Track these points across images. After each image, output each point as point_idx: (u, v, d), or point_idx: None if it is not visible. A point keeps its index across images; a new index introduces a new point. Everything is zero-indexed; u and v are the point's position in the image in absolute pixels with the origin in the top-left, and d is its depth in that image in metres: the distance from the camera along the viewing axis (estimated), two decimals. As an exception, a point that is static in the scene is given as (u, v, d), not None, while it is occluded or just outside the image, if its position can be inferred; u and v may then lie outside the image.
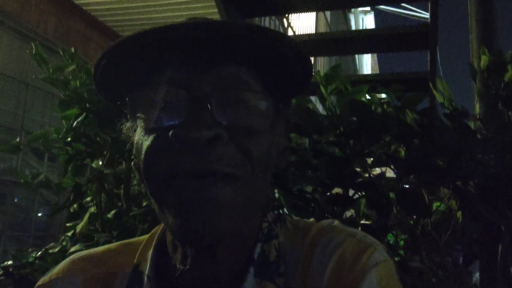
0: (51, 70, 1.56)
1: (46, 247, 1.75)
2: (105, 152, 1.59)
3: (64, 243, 1.74)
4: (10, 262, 1.68)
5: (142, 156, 0.55)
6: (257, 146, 0.55)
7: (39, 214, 4.74)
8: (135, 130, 0.59)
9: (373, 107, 1.31)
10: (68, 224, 1.85)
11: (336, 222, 0.65)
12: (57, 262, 1.54)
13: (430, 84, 1.37)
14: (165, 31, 0.52)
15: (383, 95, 1.44)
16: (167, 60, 0.55)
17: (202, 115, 0.51)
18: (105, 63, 0.56)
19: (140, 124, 0.57)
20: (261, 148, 0.55)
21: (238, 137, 0.53)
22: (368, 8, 14.82)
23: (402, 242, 1.68)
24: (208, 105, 0.52)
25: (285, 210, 1.35)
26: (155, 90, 0.55)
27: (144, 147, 0.54)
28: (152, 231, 0.68)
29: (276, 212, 0.71)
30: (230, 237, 0.54)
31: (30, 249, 1.77)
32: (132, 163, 0.59)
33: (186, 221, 0.52)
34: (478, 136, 1.32)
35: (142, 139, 0.56)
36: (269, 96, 0.58)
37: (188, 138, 0.50)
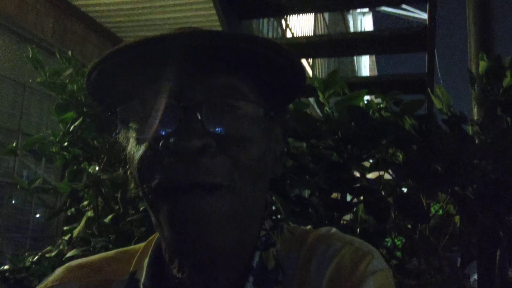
0: (48, 74, 1.55)
1: (43, 251, 1.74)
2: (102, 156, 1.59)
3: (61, 247, 1.74)
4: (6, 267, 1.67)
5: (135, 167, 0.55)
6: (248, 154, 0.54)
7: (37, 216, 4.73)
8: (128, 140, 0.59)
9: (371, 112, 1.31)
10: (65, 228, 1.84)
11: (333, 229, 0.65)
12: (53, 266, 1.53)
13: (429, 90, 1.37)
14: (156, 41, 0.51)
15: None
16: (159, 70, 0.54)
17: (192, 125, 0.51)
18: (96, 74, 0.55)
19: (132, 134, 0.57)
20: (252, 157, 0.55)
21: (229, 146, 0.53)
22: (366, 10, 14.85)
23: (399, 244, 1.68)
24: (198, 115, 0.52)
25: (282, 216, 1.35)
26: (147, 100, 0.55)
27: (136, 157, 0.55)
28: (149, 239, 0.68)
29: (273, 218, 0.71)
30: (225, 249, 0.54)
31: (26, 254, 1.76)
32: (129, 171, 0.59)
33: (178, 235, 0.52)
34: (476, 141, 1.32)
35: (134, 149, 0.56)
36: (263, 104, 0.57)
37: (178, 148, 0.50)
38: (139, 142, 0.55)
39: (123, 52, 0.52)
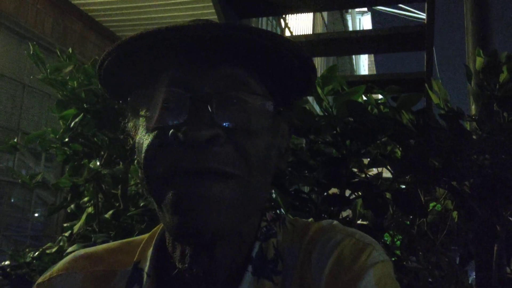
0: (48, 70, 1.56)
1: (44, 247, 1.75)
2: (102, 153, 1.59)
3: (61, 244, 1.74)
4: (7, 262, 1.68)
5: (143, 155, 0.56)
6: (255, 147, 0.55)
7: (36, 215, 4.73)
8: (137, 129, 0.60)
9: (369, 108, 1.32)
10: (65, 225, 1.85)
11: (335, 222, 0.66)
12: (54, 262, 1.54)
13: (426, 85, 1.38)
14: (167, 32, 0.52)
15: (380, 96, 1.45)
16: (169, 61, 0.56)
17: (202, 116, 0.52)
18: (108, 62, 0.57)
19: (141, 122, 0.58)
20: (259, 149, 0.56)
21: (237, 138, 0.54)
22: (365, 9, 14.84)
23: (398, 242, 1.69)
24: (208, 106, 0.53)
25: (282, 210, 1.35)
26: (157, 90, 0.56)
27: (145, 145, 0.56)
28: (153, 230, 0.69)
29: (274, 211, 0.72)
30: (227, 234, 0.55)
31: (27, 249, 1.77)
32: (136, 161, 0.60)
33: (182, 219, 0.53)
34: (474, 136, 1.33)
35: (143, 137, 0.57)
36: (270, 97, 0.58)
37: (187, 137, 0.51)
38: (148, 130, 0.56)
39: (133, 42, 0.54)
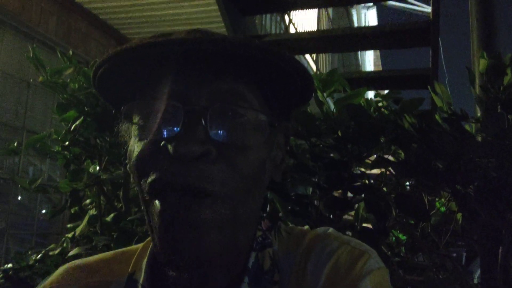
0: (48, 73, 1.56)
1: (46, 249, 1.75)
2: (104, 156, 1.59)
3: (64, 245, 1.75)
4: (10, 265, 1.69)
5: (133, 164, 0.55)
6: (247, 163, 0.55)
7: (43, 212, 4.75)
8: (130, 136, 0.59)
9: (371, 110, 1.30)
10: (68, 225, 1.86)
11: (330, 229, 0.66)
12: (57, 264, 1.54)
13: (429, 87, 1.36)
14: (164, 44, 0.52)
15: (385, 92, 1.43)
16: (165, 72, 0.55)
17: (195, 129, 0.51)
18: (103, 71, 0.56)
19: (134, 132, 0.57)
20: (252, 165, 0.55)
21: (229, 153, 0.53)
22: (370, 4, 14.74)
23: (404, 238, 1.68)
24: (202, 120, 0.52)
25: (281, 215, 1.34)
26: (152, 101, 0.55)
27: (136, 155, 0.55)
28: (147, 239, 0.69)
29: (272, 218, 0.71)
30: (215, 253, 0.54)
31: (30, 252, 1.77)
32: (128, 167, 0.60)
33: (167, 239, 0.52)
34: (479, 139, 1.31)
35: (135, 147, 0.56)
36: (267, 111, 0.58)
37: (177, 152, 0.50)
38: (140, 140, 0.55)
39: (130, 52, 0.53)
